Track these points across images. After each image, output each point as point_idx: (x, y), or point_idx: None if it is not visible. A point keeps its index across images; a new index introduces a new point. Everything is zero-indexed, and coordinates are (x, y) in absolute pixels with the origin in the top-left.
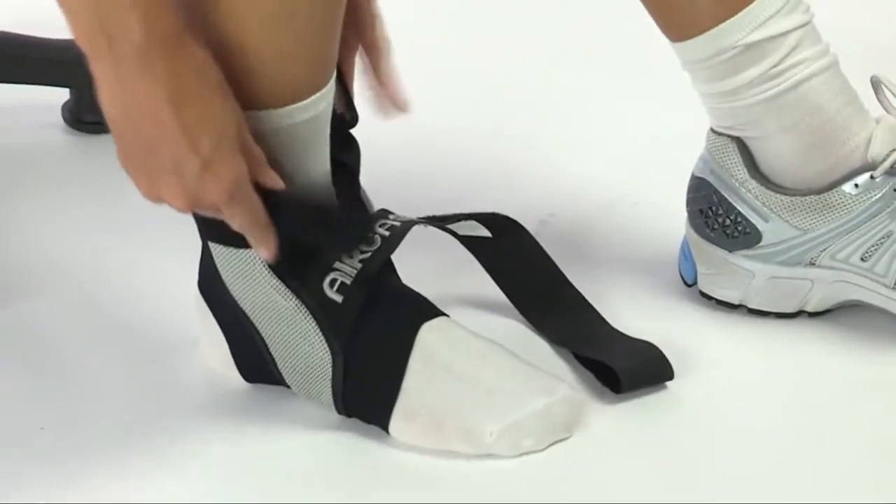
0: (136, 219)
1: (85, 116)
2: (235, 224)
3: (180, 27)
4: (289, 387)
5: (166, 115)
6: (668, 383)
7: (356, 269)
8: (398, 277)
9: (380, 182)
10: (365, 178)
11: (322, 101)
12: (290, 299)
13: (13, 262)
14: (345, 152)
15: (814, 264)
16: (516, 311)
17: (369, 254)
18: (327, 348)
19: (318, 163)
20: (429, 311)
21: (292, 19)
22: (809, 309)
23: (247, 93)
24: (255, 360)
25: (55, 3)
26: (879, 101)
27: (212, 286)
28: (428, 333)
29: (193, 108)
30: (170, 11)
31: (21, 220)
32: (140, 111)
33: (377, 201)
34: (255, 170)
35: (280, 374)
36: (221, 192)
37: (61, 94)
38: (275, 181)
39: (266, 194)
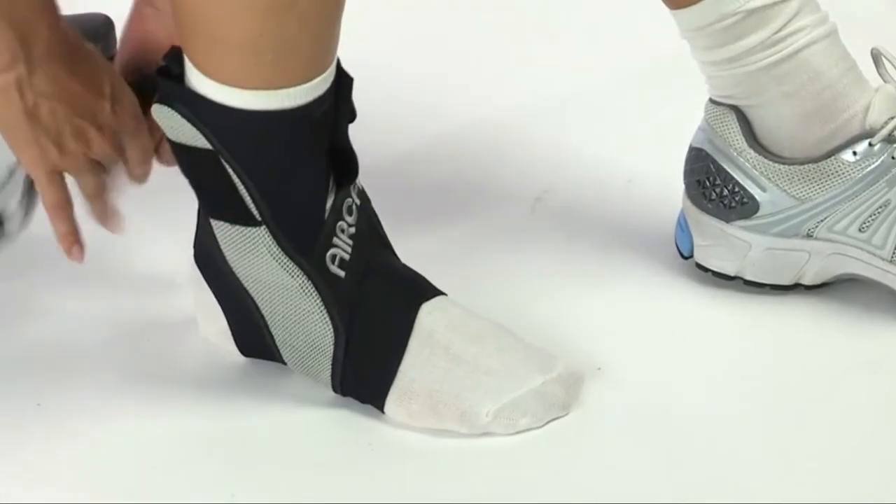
0: (132, 193)
1: None
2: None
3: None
4: (285, 363)
5: (69, 83)
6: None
7: (350, 244)
8: (397, 257)
9: (371, 159)
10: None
11: (323, 85)
12: (298, 276)
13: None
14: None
15: (811, 236)
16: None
17: (355, 227)
18: (330, 325)
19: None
20: (428, 290)
21: (294, 7)
22: (806, 282)
23: (248, 75)
24: (252, 336)
25: None
26: (880, 74)
27: (210, 261)
28: (427, 313)
29: (81, 66)
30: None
31: None
32: (44, 96)
33: (369, 179)
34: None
35: (278, 350)
36: (132, 116)
37: None
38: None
39: None
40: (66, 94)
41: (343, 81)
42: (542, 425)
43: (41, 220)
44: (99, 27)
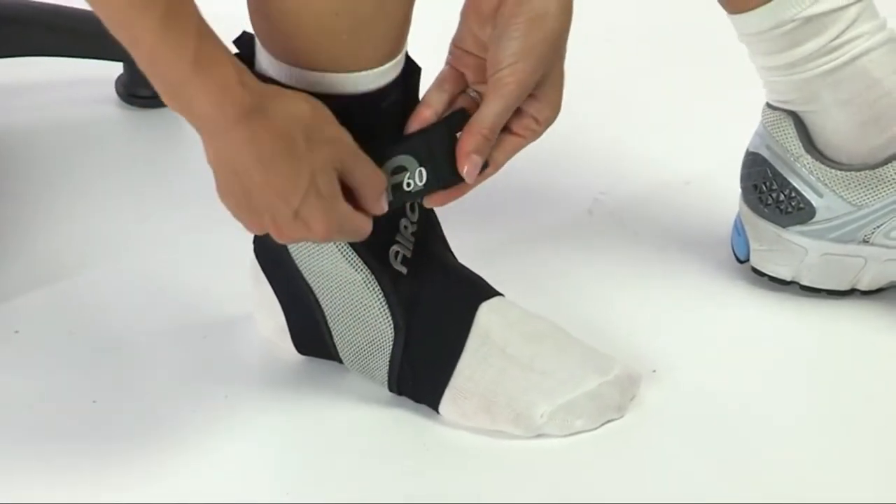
0: (190, 191)
1: (138, 91)
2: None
3: (254, 97)
4: (341, 361)
5: (255, 174)
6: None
7: (412, 241)
8: (454, 256)
9: None
10: None
11: (394, 70)
12: (362, 270)
13: (68, 235)
14: None
15: (867, 241)
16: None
17: (416, 225)
18: (391, 322)
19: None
20: (486, 290)
21: None
22: (862, 287)
23: (320, 56)
24: (310, 333)
25: None
26: None
27: (271, 255)
28: (486, 313)
29: (279, 169)
30: (239, 89)
31: (75, 195)
32: (230, 167)
33: None
34: (359, 197)
35: (335, 347)
36: (314, 236)
37: (115, 69)
38: (377, 206)
39: None
40: (247, 178)
41: (411, 71)
42: (597, 427)
43: (97, 218)
44: None
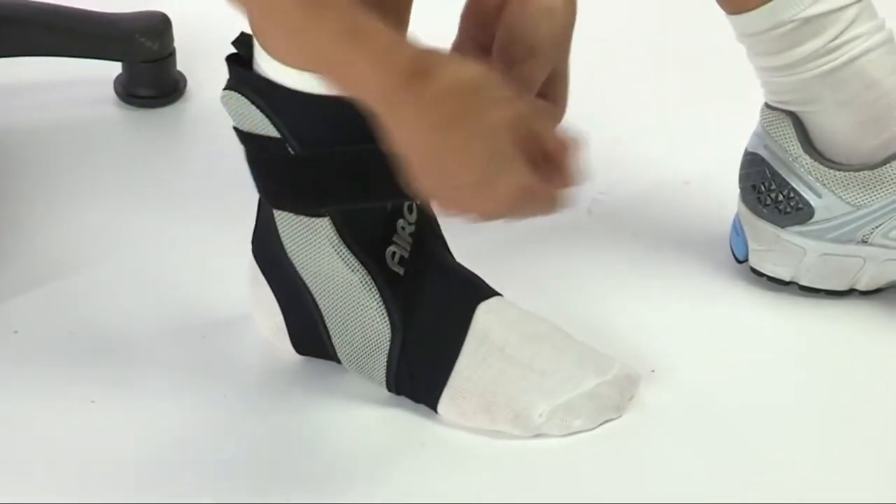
0: (189, 191)
1: (137, 91)
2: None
3: (414, 57)
4: (340, 362)
5: (433, 145)
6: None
7: (409, 242)
8: (452, 256)
9: None
10: None
11: None
12: (358, 271)
13: (65, 235)
14: None
15: (866, 242)
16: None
17: (414, 225)
18: (388, 322)
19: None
20: (485, 290)
21: None
22: (861, 287)
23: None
24: (309, 333)
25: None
26: None
27: (269, 255)
28: (483, 313)
29: (456, 135)
30: (399, 54)
31: (74, 194)
32: (409, 140)
33: None
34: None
35: (333, 348)
36: (502, 202)
37: (114, 68)
38: (568, 145)
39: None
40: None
41: None
42: (595, 427)
43: (96, 217)
44: (157, 25)
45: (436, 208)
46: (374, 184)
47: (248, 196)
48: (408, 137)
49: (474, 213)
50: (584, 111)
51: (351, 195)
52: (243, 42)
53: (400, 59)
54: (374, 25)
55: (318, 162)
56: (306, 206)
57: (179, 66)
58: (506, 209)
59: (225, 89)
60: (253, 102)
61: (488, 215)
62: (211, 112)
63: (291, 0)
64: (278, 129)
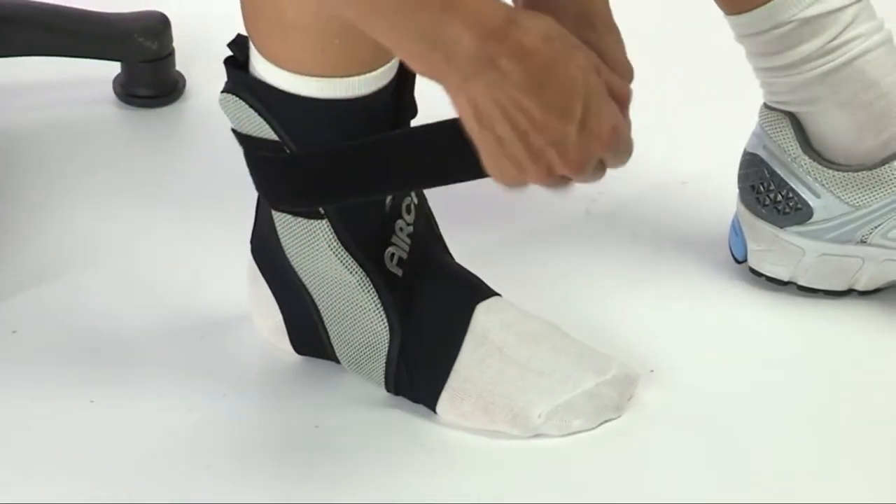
0: (188, 190)
1: (136, 90)
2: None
3: (504, 13)
4: (339, 362)
5: (529, 105)
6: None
7: (408, 243)
8: (451, 257)
9: None
10: None
11: (387, 75)
12: (356, 273)
13: (64, 235)
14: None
15: (865, 242)
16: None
17: (413, 226)
18: (386, 324)
19: None
20: (483, 291)
21: None
22: (859, 287)
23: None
24: (308, 333)
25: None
26: None
27: (268, 255)
28: (482, 314)
29: (551, 86)
30: (491, 10)
31: (72, 194)
32: (500, 111)
33: None
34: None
35: (332, 348)
36: (604, 141)
37: (113, 68)
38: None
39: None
40: (522, 116)
41: (406, 75)
42: (595, 427)
43: (94, 217)
44: (155, 25)
45: (532, 179)
46: (373, 178)
47: (247, 195)
48: (501, 103)
49: (575, 164)
50: None
51: (349, 191)
52: (240, 44)
53: (492, 14)
54: None
55: (316, 160)
56: (306, 205)
57: (178, 66)
58: (606, 149)
59: (222, 92)
60: (250, 106)
61: (585, 164)
62: (210, 112)
63: None
64: (276, 132)
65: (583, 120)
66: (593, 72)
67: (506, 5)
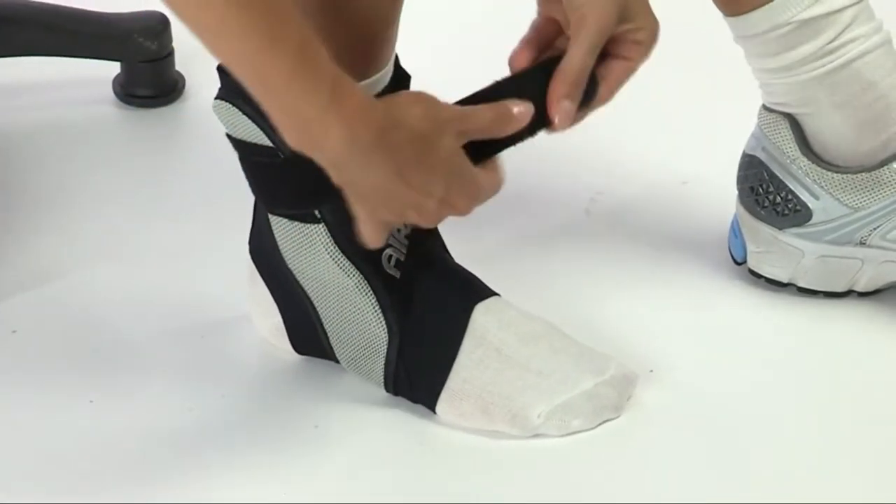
0: (187, 191)
1: (136, 91)
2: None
3: (384, 114)
4: (338, 362)
5: (395, 184)
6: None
7: (405, 244)
8: (451, 257)
9: None
10: None
11: (381, 81)
12: (353, 276)
13: (63, 235)
14: None
15: (864, 243)
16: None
17: (410, 227)
18: (384, 326)
19: None
20: (482, 291)
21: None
22: (859, 289)
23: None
24: (307, 333)
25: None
26: None
27: (267, 257)
28: (481, 314)
29: (418, 172)
30: (372, 112)
31: (72, 194)
32: (368, 185)
33: None
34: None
35: (331, 348)
36: (461, 213)
37: (112, 69)
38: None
39: None
40: (388, 194)
41: (401, 79)
42: (594, 427)
43: (94, 217)
44: (155, 25)
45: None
46: None
47: (246, 196)
48: (366, 186)
49: (430, 222)
50: None
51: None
52: None
53: (373, 117)
54: (352, 87)
55: (310, 162)
56: (302, 207)
57: (178, 66)
58: (463, 213)
59: (216, 99)
60: (244, 112)
61: (438, 222)
62: (210, 112)
63: (279, 60)
64: (269, 138)
65: (443, 197)
66: (457, 153)
67: (382, 102)
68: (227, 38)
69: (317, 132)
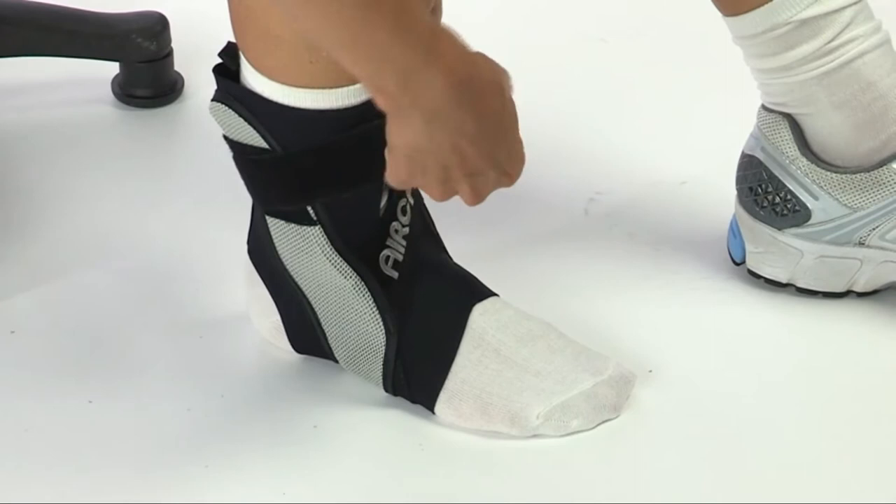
0: (186, 191)
1: (135, 91)
2: None
3: (466, 65)
4: (337, 361)
5: (469, 149)
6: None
7: (404, 244)
8: (449, 257)
9: None
10: None
11: None
12: (350, 277)
13: (63, 235)
14: None
15: (863, 244)
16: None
17: (408, 227)
18: (382, 327)
19: None
20: (480, 291)
21: None
22: (858, 289)
23: (301, 73)
24: (306, 333)
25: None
26: None
27: (264, 257)
28: (479, 314)
29: (493, 119)
30: (461, 65)
31: (71, 194)
32: (442, 148)
33: None
34: None
35: (330, 348)
36: (512, 179)
37: (112, 68)
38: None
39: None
40: (456, 157)
41: None
42: (593, 427)
43: (93, 217)
44: (153, 25)
45: (428, 191)
46: (360, 170)
47: (245, 196)
48: (451, 138)
49: (481, 196)
50: (582, 111)
51: (338, 186)
52: (230, 53)
53: (462, 69)
54: (448, 36)
55: (302, 158)
56: (296, 203)
57: (177, 67)
58: (514, 179)
59: (212, 101)
60: (240, 115)
61: (487, 195)
62: (208, 112)
63: (379, 16)
64: (265, 140)
65: (504, 167)
66: (517, 120)
67: (465, 53)
68: (323, 3)
69: (420, 83)
